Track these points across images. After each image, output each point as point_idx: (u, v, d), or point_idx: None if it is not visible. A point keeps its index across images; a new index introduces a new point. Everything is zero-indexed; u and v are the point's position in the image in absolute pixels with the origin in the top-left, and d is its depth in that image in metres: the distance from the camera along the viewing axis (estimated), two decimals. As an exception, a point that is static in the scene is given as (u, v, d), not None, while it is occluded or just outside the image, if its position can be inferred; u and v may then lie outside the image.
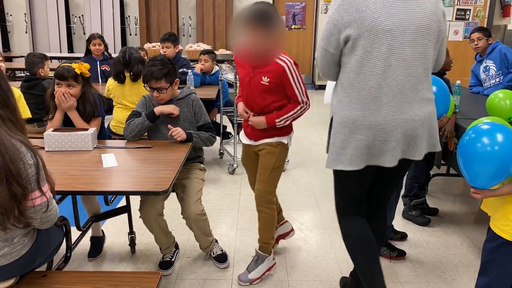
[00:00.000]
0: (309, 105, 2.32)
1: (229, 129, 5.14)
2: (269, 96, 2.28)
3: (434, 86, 2.19)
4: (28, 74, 3.82)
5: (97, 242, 2.78)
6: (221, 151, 4.69)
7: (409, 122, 1.84)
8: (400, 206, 3.28)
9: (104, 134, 2.71)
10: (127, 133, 2.51)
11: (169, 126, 2.48)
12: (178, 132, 2.47)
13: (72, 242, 2.38)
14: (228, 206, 3.52)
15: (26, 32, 9.00)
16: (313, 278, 2.56)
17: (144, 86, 2.56)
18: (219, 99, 4.49)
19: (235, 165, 4.22)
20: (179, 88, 2.66)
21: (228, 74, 4.26)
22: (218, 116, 4.84)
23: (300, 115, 2.33)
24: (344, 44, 1.82)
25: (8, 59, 7.33)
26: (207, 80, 4.62)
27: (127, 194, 2.37)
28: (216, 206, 3.52)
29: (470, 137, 1.79)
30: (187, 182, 2.54)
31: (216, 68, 4.65)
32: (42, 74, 3.69)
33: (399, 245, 2.90)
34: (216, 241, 2.76)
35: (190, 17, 9.09)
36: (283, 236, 2.85)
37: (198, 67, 4.54)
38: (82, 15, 9.04)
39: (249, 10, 2.04)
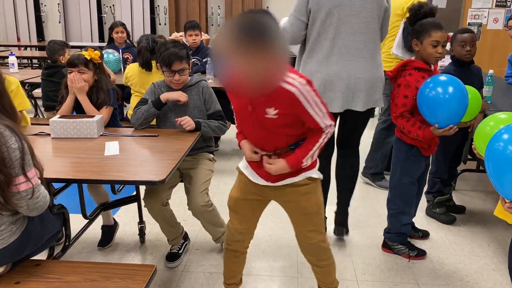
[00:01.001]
0: (334, 125, 1.75)
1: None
2: (281, 130, 1.69)
3: (450, 86, 2.07)
4: (48, 61, 3.85)
5: (108, 231, 2.75)
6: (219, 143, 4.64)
7: (352, 77, 2.38)
8: (424, 204, 3.10)
9: (116, 124, 2.66)
10: (134, 121, 2.45)
11: (177, 119, 2.41)
12: (187, 121, 2.39)
13: (79, 231, 2.39)
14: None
15: (60, 22, 9.17)
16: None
17: (163, 72, 2.46)
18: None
19: (254, 156, 4.11)
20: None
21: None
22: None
23: (326, 142, 1.76)
24: (308, 14, 2.40)
25: (41, 48, 7.48)
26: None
27: (119, 183, 2.24)
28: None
29: (502, 138, 1.43)
30: (193, 173, 2.47)
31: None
32: (63, 61, 3.70)
33: (419, 243, 2.73)
34: (227, 232, 2.68)
35: (219, 6, 9.01)
36: None
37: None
38: (113, 5, 9.11)
39: (238, 24, 1.41)
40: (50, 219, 1.80)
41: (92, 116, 2.35)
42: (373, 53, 2.41)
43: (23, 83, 4.02)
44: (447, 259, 2.62)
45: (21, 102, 2.44)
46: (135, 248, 2.72)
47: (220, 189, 3.59)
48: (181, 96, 2.43)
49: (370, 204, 3.36)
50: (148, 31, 9.03)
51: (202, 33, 4.60)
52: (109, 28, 4.75)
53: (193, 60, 4.05)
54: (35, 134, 2.33)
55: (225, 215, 3.05)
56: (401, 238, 2.56)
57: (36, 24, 9.17)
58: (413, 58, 2.37)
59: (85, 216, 2.49)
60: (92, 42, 8.97)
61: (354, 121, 2.58)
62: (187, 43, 4.48)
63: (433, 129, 2.19)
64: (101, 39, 9.26)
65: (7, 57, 4.94)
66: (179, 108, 2.49)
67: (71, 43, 7.52)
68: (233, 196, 1.93)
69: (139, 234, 2.77)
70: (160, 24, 9.23)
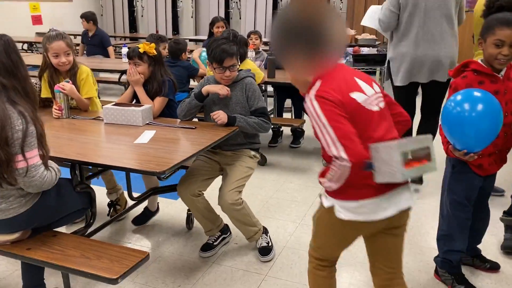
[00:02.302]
0: (347, 162, 1.35)
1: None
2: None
3: (480, 103, 1.71)
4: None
5: (146, 214, 2.93)
6: (301, 140, 4.56)
7: (436, 56, 3.18)
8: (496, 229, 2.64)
9: (172, 115, 2.78)
10: (179, 112, 2.55)
11: (211, 114, 2.44)
12: (219, 115, 2.41)
13: (124, 210, 2.60)
14: (303, 199, 3.33)
15: (192, 17, 9.92)
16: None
17: (214, 68, 2.51)
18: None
19: (331, 157, 3.95)
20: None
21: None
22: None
23: (344, 176, 1.40)
24: (399, 6, 3.18)
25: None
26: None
27: (117, 169, 2.17)
28: (289, 197, 3.36)
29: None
30: (230, 169, 2.48)
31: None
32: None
33: (483, 278, 2.34)
34: (266, 231, 2.64)
35: (341, 0, 8.79)
36: None
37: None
38: (239, 0, 9.53)
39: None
40: (72, 196, 1.99)
41: (140, 106, 2.52)
42: (452, 37, 3.21)
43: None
44: (511, 301, 2.20)
45: (88, 90, 2.72)
46: (181, 233, 2.84)
47: (283, 186, 3.54)
48: (221, 89, 2.45)
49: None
50: (269, 26, 9.24)
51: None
52: (210, 23, 4.98)
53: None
54: (94, 119, 2.58)
55: (276, 213, 3.00)
56: (448, 266, 2.22)
57: (173, 19, 10.06)
58: None
59: (131, 197, 2.70)
60: (217, 35, 9.53)
61: (436, 90, 3.29)
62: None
63: (451, 149, 1.88)
64: (227, 33, 9.76)
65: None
66: (222, 103, 2.52)
67: (200, 37, 8.13)
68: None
69: (186, 221, 2.89)
70: (281, 19, 9.37)
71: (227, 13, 9.63)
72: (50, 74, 2.65)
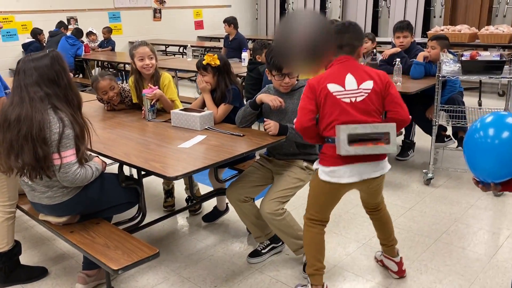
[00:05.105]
0: (295, 126, 2.16)
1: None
2: None
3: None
4: (251, 58, 4.38)
5: (215, 213, 3.10)
6: (410, 153, 4.18)
7: None
8: None
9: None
10: (236, 119, 2.63)
11: (265, 119, 2.45)
12: (270, 126, 2.40)
13: (185, 206, 2.81)
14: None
15: (339, 17, 9.80)
16: None
17: (273, 76, 2.54)
18: (444, 93, 3.80)
19: (430, 175, 3.54)
20: None
21: (448, 66, 3.52)
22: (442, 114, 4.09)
23: (293, 136, 2.37)
24: None
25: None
26: (432, 71, 3.95)
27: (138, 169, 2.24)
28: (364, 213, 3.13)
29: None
30: (277, 178, 2.47)
31: (442, 57, 3.90)
32: (260, 59, 4.15)
33: None
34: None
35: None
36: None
37: (421, 55, 3.94)
38: (389, -1, 9.05)
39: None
40: (116, 191, 2.25)
41: (201, 111, 2.68)
42: None
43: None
44: None
45: (171, 94, 3.00)
46: (239, 236, 2.92)
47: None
48: (272, 100, 2.44)
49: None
50: (420, 23, 8.58)
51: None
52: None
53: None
54: (164, 121, 2.83)
55: (356, 227, 2.90)
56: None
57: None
58: None
59: (192, 196, 2.89)
60: (363, 36, 9.22)
61: None
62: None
63: None
64: (374, 32, 9.37)
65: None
66: (279, 111, 2.50)
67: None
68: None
69: (248, 225, 2.96)
70: (434, 17, 8.60)
71: (375, 11, 9.25)
72: (136, 79, 2.99)
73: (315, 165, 2.15)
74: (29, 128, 1.89)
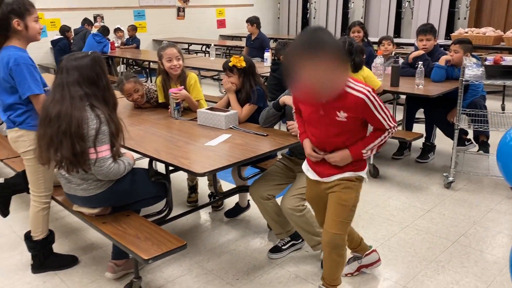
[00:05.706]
0: (396, 127, 2.00)
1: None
2: (345, 133, 1.96)
3: None
4: (274, 58, 4.46)
5: (237, 209, 3.20)
6: (430, 155, 4.18)
7: None
8: None
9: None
10: (259, 119, 2.72)
11: (287, 122, 2.54)
12: (294, 128, 2.49)
13: (207, 202, 2.92)
14: (399, 220, 3.12)
15: (362, 18, 9.79)
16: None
17: None
18: (466, 97, 3.82)
19: (451, 178, 3.57)
20: None
21: (471, 70, 3.54)
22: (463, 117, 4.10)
23: (385, 142, 2.03)
24: None
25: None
26: (454, 75, 3.97)
27: (167, 165, 2.35)
28: (386, 214, 3.19)
29: None
30: (299, 176, 2.54)
31: (465, 61, 3.91)
32: (281, 59, 4.23)
33: None
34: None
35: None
36: (367, 266, 2.49)
37: (443, 59, 3.96)
38: (412, 0, 9.00)
39: (303, 42, 1.82)
40: (146, 185, 2.37)
41: (226, 111, 2.77)
42: None
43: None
44: None
45: (197, 94, 3.11)
46: (260, 232, 3.00)
47: (386, 202, 3.37)
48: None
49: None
50: (444, 25, 8.53)
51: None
52: (347, 28, 4.93)
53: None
54: (191, 120, 2.94)
55: (375, 227, 2.99)
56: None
57: (342, 21, 10.11)
58: None
59: (216, 192, 2.99)
60: (385, 37, 9.21)
61: None
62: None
63: None
64: (397, 33, 9.35)
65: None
66: (302, 112, 2.59)
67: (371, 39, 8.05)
68: (307, 192, 2.26)
69: (269, 221, 3.05)
70: (459, 19, 8.54)
71: (398, 13, 9.22)
72: (163, 79, 3.11)
73: (363, 174, 2.07)
74: (68, 125, 2.01)
